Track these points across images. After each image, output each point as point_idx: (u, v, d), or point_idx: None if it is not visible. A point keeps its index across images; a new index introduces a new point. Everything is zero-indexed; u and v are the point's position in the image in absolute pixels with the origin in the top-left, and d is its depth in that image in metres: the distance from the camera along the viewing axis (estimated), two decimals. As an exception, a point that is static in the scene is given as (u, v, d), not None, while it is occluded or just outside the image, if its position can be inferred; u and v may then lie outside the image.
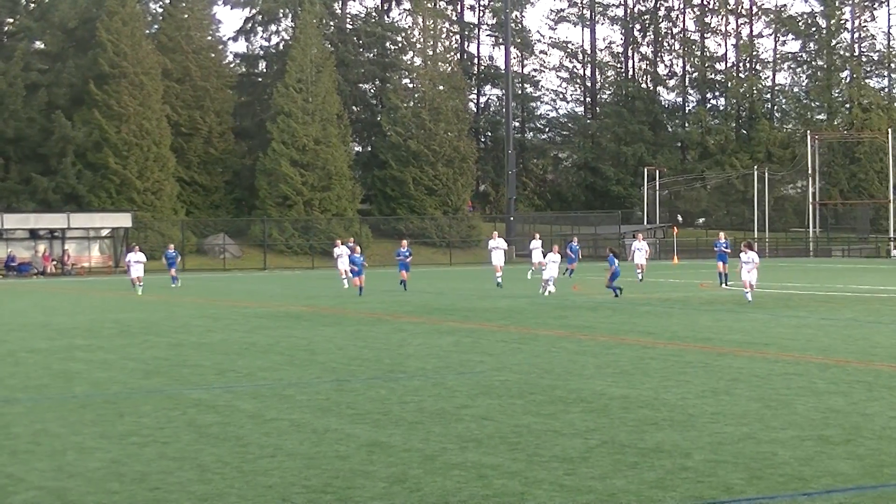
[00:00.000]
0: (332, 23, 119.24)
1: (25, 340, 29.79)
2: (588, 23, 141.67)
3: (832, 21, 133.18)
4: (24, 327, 33.96)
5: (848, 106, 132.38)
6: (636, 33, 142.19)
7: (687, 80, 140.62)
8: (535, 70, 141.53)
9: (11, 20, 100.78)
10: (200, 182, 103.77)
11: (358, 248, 54.35)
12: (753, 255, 39.26)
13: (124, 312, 40.36)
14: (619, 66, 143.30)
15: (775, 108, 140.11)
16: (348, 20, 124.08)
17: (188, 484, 12.54)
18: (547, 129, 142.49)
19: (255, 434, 15.49)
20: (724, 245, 51.60)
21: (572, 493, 11.92)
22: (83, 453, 14.34)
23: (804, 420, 16.04)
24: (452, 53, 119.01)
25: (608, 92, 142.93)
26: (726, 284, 48.63)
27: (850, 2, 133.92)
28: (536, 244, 64.71)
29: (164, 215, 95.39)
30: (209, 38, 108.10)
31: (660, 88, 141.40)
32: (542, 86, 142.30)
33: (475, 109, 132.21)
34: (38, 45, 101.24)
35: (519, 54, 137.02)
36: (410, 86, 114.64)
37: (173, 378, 21.69)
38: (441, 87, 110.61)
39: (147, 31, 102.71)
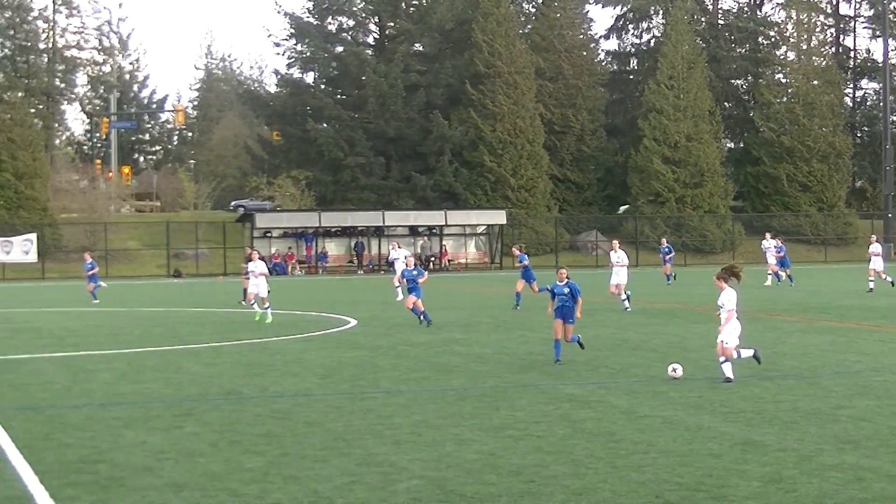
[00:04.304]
0: (703, 19, 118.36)
1: (406, 334, 30.81)
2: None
3: None
4: (405, 322, 34.99)
5: None
6: None
7: None
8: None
9: (392, 23, 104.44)
10: (573, 179, 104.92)
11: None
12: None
13: (498, 308, 41.20)
14: None
15: None
16: (720, 16, 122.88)
17: (562, 478, 12.78)
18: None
19: (628, 430, 15.64)
20: None
21: (956, 499, 11.57)
22: (461, 445, 14.79)
23: None
24: (827, 47, 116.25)
25: None
26: None
27: None
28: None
29: (538, 212, 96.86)
30: (581, 36, 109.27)
31: None
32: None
33: (851, 104, 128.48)
34: (417, 47, 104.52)
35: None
36: (783, 81, 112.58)
37: (547, 373, 22.05)
38: (815, 82, 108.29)
39: (520, 31, 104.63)
